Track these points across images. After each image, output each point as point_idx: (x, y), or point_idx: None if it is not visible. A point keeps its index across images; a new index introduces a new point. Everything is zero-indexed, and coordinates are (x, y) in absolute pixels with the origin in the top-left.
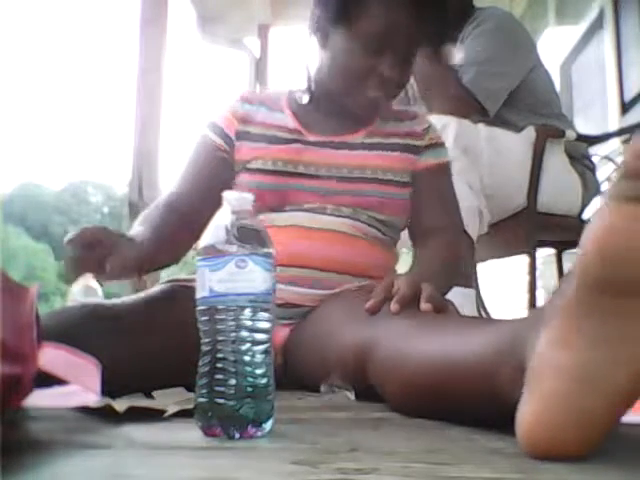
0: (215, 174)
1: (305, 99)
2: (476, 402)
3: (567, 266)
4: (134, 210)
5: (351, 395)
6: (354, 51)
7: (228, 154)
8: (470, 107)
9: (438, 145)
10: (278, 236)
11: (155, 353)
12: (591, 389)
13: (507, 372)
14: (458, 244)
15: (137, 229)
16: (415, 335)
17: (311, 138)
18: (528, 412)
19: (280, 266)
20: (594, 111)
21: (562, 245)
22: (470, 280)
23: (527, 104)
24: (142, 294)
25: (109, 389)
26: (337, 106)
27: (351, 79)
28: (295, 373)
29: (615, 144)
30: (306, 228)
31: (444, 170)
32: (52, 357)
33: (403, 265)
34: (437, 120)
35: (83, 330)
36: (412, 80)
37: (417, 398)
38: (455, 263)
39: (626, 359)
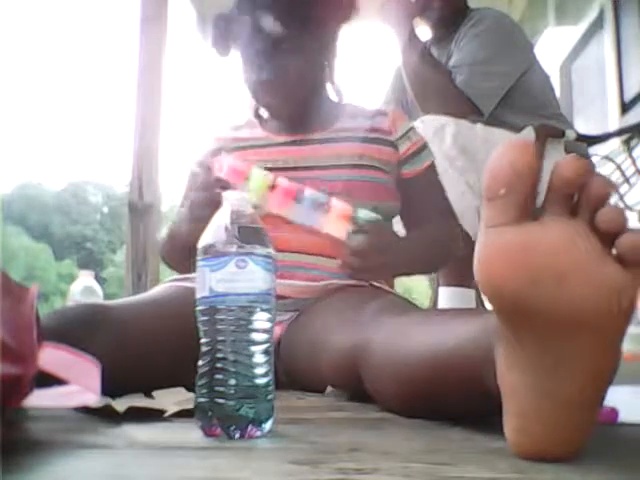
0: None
1: (257, 112)
2: (467, 398)
3: None
4: (134, 210)
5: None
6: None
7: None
8: (465, 108)
9: (420, 150)
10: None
11: (155, 353)
12: (550, 404)
13: (488, 366)
14: (447, 234)
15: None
16: (403, 334)
17: (280, 139)
18: (508, 429)
19: None
20: (594, 111)
21: None
22: (470, 280)
23: (524, 105)
24: (142, 294)
25: (109, 389)
26: (284, 112)
27: (243, 62)
28: (290, 371)
29: (615, 144)
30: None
31: (429, 173)
32: (52, 357)
33: None
34: (435, 121)
35: (83, 330)
36: (406, 82)
37: (409, 397)
38: (438, 244)
39: (567, 375)
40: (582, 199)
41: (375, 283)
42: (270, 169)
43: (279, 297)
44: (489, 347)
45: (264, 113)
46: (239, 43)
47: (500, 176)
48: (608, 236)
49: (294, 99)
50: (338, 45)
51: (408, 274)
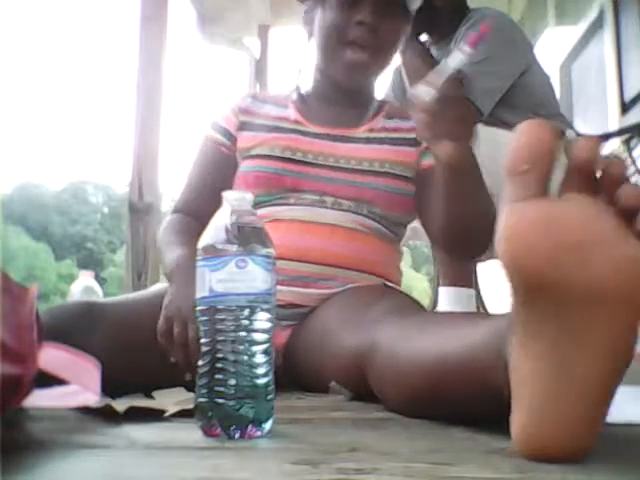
0: (220, 172)
1: (304, 89)
2: (472, 400)
3: None
4: (134, 210)
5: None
6: (333, 11)
7: (230, 150)
8: None
9: None
10: (279, 230)
11: (154, 353)
12: (566, 393)
13: (499, 369)
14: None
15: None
16: (411, 336)
17: (312, 129)
18: (517, 425)
19: (280, 259)
20: (594, 111)
21: None
22: (470, 280)
23: (523, 104)
24: (139, 293)
25: (108, 389)
26: (335, 95)
27: (332, 38)
28: (295, 374)
29: (615, 144)
30: (307, 222)
31: None
32: (52, 357)
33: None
34: None
35: (78, 327)
36: (406, 82)
37: (414, 399)
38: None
39: (586, 358)
40: (602, 179)
41: (388, 283)
42: (299, 161)
43: (293, 305)
44: (499, 351)
45: (306, 88)
46: (338, 3)
47: (523, 153)
48: (629, 213)
49: (371, 73)
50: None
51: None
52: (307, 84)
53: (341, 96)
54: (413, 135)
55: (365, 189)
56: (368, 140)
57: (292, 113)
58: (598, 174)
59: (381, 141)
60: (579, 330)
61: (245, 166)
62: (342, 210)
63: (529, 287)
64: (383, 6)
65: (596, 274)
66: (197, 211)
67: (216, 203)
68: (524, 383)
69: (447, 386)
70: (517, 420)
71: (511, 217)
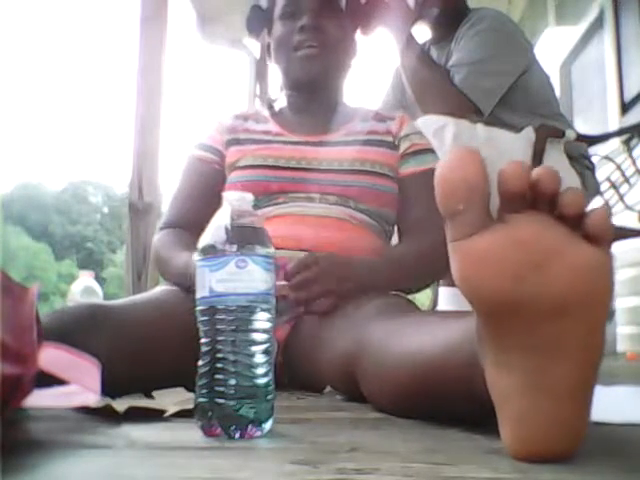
0: (209, 187)
1: (277, 103)
2: (456, 401)
3: None
4: (134, 210)
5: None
6: (279, 28)
7: (220, 165)
8: (465, 107)
9: (423, 152)
10: (271, 224)
11: (155, 353)
12: (546, 402)
13: (478, 367)
14: (434, 246)
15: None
16: (395, 338)
17: (293, 138)
18: (505, 435)
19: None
20: (594, 111)
21: None
22: None
23: (523, 104)
24: (143, 295)
25: (109, 389)
26: (307, 104)
27: (283, 47)
28: (294, 372)
29: (615, 144)
30: (298, 215)
31: (430, 176)
32: (52, 357)
33: None
34: (435, 121)
35: (83, 330)
36: (406, 83)
37: (399, 400)
38: (424, 262)
39: (559, 367)
40: (537, 193)
41: None
42: (284, 168)
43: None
44: (475, 351)
45: (281, 105)
46: (281, 18)
47: (455, 193)
48: (572, 220)
49: (331, 80)
50: (357, 48)
51: (395, 289)
52: (282, 101)
53: (312, 103)
54: (390, 138)
55: (349, 187)
56: (347, 142)
57: (273, 127)
58: (533, 190)
59: (360, 142)
60: (548, 342)
61: (232, 177)
62: (330, 204)
63: (496, 314)
64: (319, 9)
65: (556, 287)
66: (187, 224)
67: (205, 216)
68: (503, 398)
69: (431, 385)
70: (504, 430)
71: (461, 257)
